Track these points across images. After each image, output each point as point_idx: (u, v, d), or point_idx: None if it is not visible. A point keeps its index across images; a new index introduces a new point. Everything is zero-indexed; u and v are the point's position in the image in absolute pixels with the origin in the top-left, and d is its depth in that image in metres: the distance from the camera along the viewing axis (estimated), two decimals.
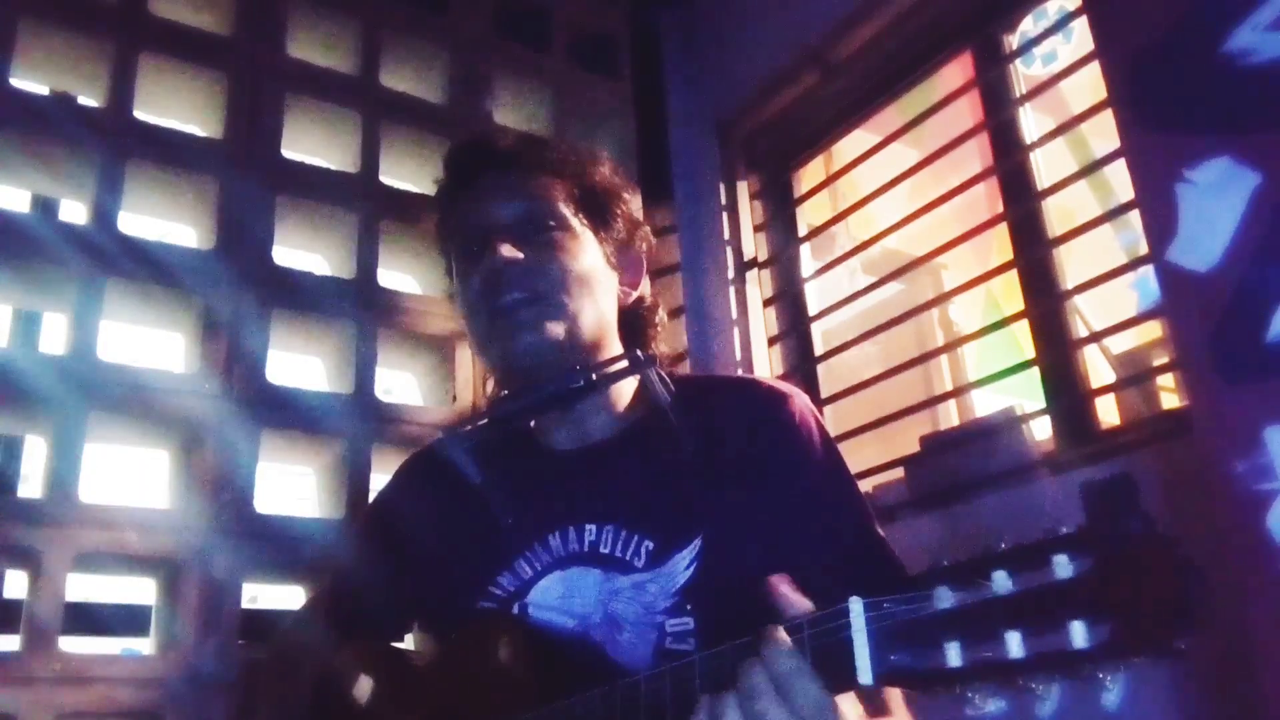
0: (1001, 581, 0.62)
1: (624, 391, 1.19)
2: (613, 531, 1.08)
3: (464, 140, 1.34)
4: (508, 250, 1.12)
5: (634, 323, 1.25)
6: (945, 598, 0.65)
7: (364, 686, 1.12)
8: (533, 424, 1.21)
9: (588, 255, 1.17)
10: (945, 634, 0.64)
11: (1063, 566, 0.60)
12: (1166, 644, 0.55)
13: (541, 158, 1.21)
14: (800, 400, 1.15)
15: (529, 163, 1.20)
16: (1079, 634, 0.58)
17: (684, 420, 1.07)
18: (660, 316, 1.29)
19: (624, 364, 1.10)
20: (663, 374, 1.09)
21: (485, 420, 1.13)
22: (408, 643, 1.34)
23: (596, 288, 1.16)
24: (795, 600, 0.78)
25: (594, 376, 1.08)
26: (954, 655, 0.63)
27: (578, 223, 1.19)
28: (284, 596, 2.06)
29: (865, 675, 0.68)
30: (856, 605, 0.69)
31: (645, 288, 1.27)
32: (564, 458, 1.18)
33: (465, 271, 1.18)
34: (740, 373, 2.29)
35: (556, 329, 1.11)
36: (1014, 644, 0.60)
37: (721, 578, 1.04)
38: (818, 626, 0.73)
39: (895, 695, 0.97)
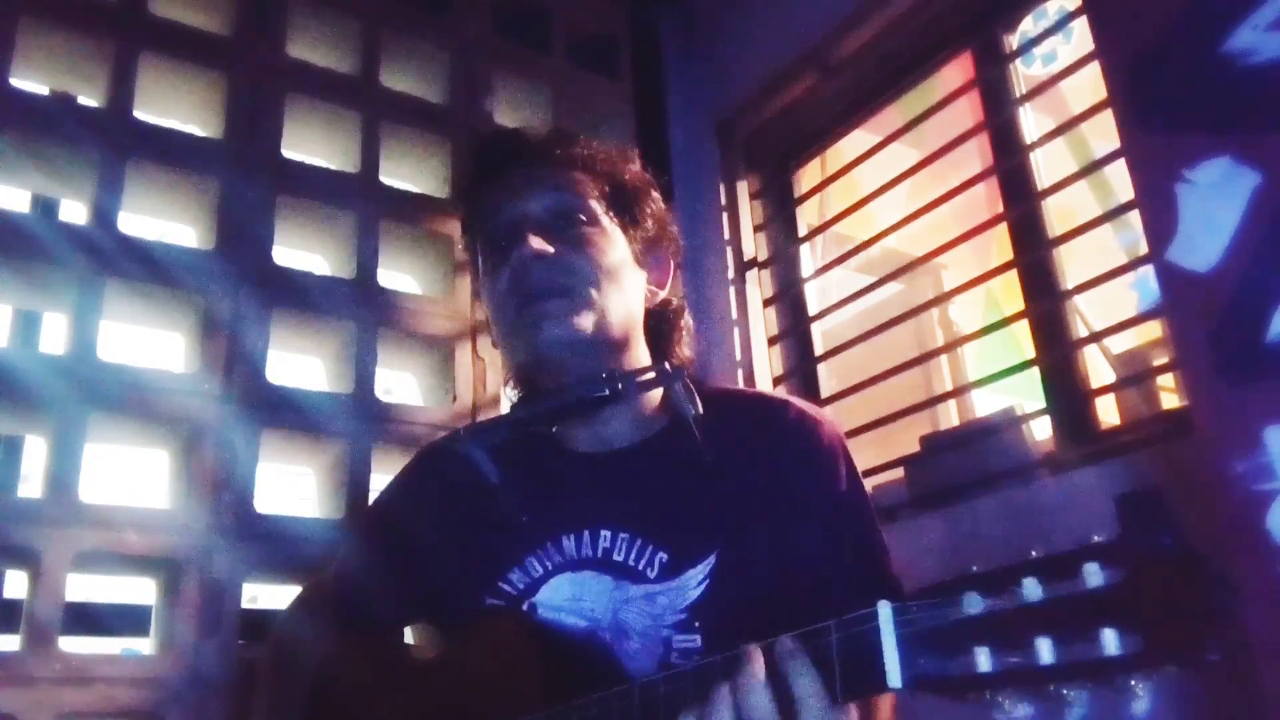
0: (1032, 588, 0.63)
1: (649, 398, 1.17)
2: (627, 539, 1.07)
3: (495, 133, 1.33)
4: (537, 243, 1.11)
5: (659, 323, 1.23)
6: (975, 604, 0.65)
7: (368, 681, 1.12)
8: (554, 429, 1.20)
9: (616, 252, 1.16)
10: (975, 640, 0.64)
11: (1094, 575, 0.60)
12: (1199, 654, 0.56)
13: (572, 153, 1.20)
14: (830, 428, 1.14)
15: (560, 158, 1.19)
16: (1111, 641, 0.59)
17: (709, 435, 1.06)
18: (685, 319, 1.27)
19: (651, 375, 1.08)
20: (690, 386, 1.07)
21: (507, 422, 1.11)
22: (407, 640, 1.33)
23: (624, 285, 1.15)
24: None
25: (619, 386, 1.05)
26: (984, 660, 0.64)
27: (607, 219, 1.18)
28: (284, 596, 2.05)
29: (895, 679, 0.68)
30: (885, 610, 0.70)
31: (670, 290, 1.26)
32: (584, 460, 1.17)
33: (493, 264, 1.17)
34: (741, 375, 2.29)
35: (584, 323, 1.10)
36: (1045, 650, 0.61)
37: (732, 597, 1.03)
38: (846, 630, 0.73)
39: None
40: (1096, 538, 0.62)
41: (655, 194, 1.26)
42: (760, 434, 1.12)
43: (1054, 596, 0.62)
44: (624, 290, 1.15)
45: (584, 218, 1.16)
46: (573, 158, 1.20)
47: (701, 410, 1.05)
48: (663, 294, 1.23)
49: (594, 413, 1.11)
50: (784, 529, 1.06)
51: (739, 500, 1.07)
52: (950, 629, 0.66)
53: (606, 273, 1.13)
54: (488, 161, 1.24)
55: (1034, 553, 0.64)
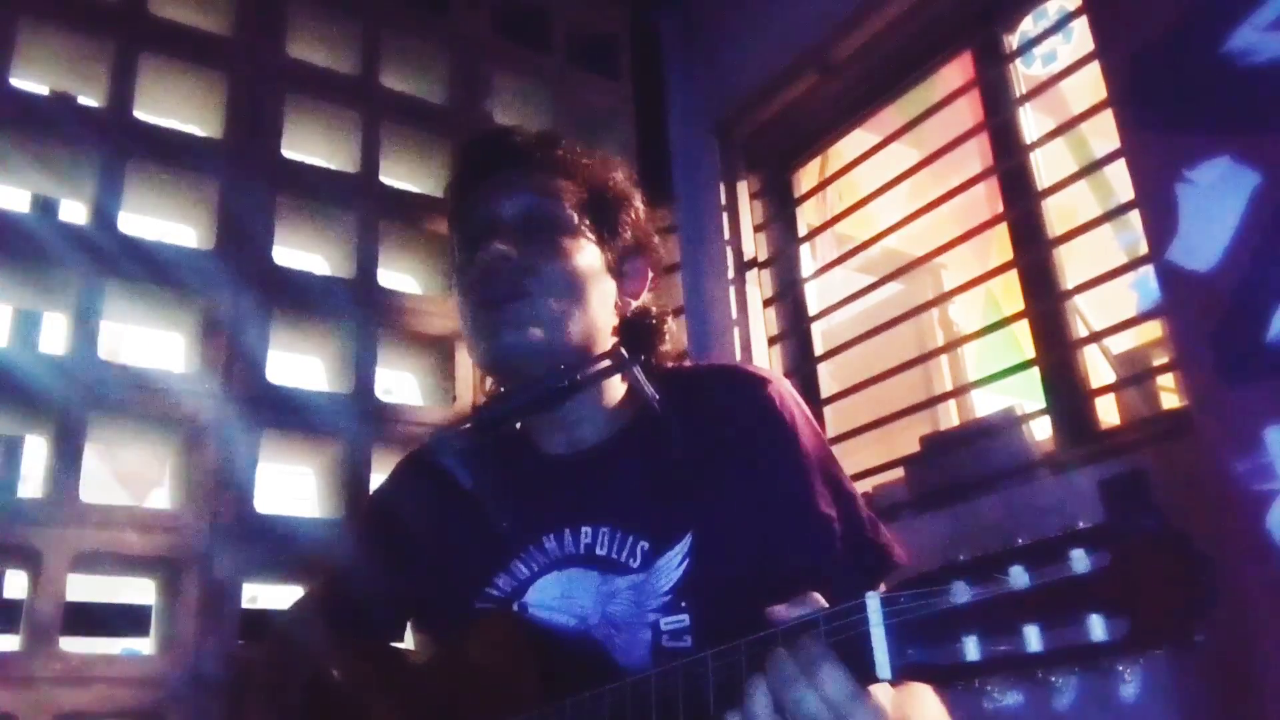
0: (1018, 576, 0.63)
1: (614, 395, 1.19)
2: (608, 533, 1.09)
3: (481, 133, 1.33)
4: (502, 246, 1.13)
5: (637, 331, 1.23)
6: (962, 593, 0.65)
7: (362, 685, 1.12)
8: (519, 426, 1.22)
9: (585, 260, 1.16)
10: (963, 628, 0.64)
11: (1080, 561, 0.61)
12: (1186, 636, 0.56)
13: (554, 157, 1.21)
14: (778, 385, 1.16)
15: (542, 162, 1.20)
16: (1098, 627, 0.59)
17: (670, 415, 1.07)
18: (669, 326, 1.27)
19: (607, 363, 1.10)
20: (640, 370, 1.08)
21: (471, 424, 1.12)
22: (406, 644, 1.33)
23: (590, 294, 1.15)
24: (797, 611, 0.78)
25: (578, 377, 1.07)
26: (972, 649, 0.64)
27: (582, 227, 1.18)
28: (284, 596, 2.06)
29: (884, 670, 0.68)
30: (874, 601, 0.70)
31: (649, 298, 1.26)
32: (558, 462, 1.18)
33: (462, 262, 1.19)
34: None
35: (538, 331, 1.10)
36: (1032, 637, 0.61)
37: (714, 573, 1.04)
38: (835, 622, 0.73)
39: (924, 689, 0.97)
40: (1082, 523, 0.62)
41: (638, 204, 1.26)
42: (713, 404, 1.14)
43: (1041, 583, 0.62)
44: (588, 300, 1.15)
45: (556, 224, 1.16)
46: (555, 162, 1.20)
47: (657, 395, 1.06)
48: (636, 304, 1.23)
49: (555, 406, 1.12)
50: (751, 491, 1.08)
51: (707, 475, 1.09)
52: (938, 618, 0.66)
53: (570, 281, 1.14)
54: (471, 160, 1.26)
55: (1020, 539, 0.65)
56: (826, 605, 0.77)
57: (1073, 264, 1.86)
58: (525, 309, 1.11)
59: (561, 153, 1.22)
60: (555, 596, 1.09)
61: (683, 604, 1.04)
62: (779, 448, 1.10)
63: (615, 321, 1.21)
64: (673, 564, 1.05)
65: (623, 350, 1.09)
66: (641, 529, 1.08)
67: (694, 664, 0.82)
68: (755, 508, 1.07)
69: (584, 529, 1.10)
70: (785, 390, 1.16)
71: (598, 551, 1.09)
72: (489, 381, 1.30)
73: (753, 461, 1.09)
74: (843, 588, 1.02)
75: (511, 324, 1.10)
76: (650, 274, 1.27)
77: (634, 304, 1.23)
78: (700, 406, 1.13)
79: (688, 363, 1.30)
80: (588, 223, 1.19)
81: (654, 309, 1.26)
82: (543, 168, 1.20)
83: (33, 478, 1.78)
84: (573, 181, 1.20)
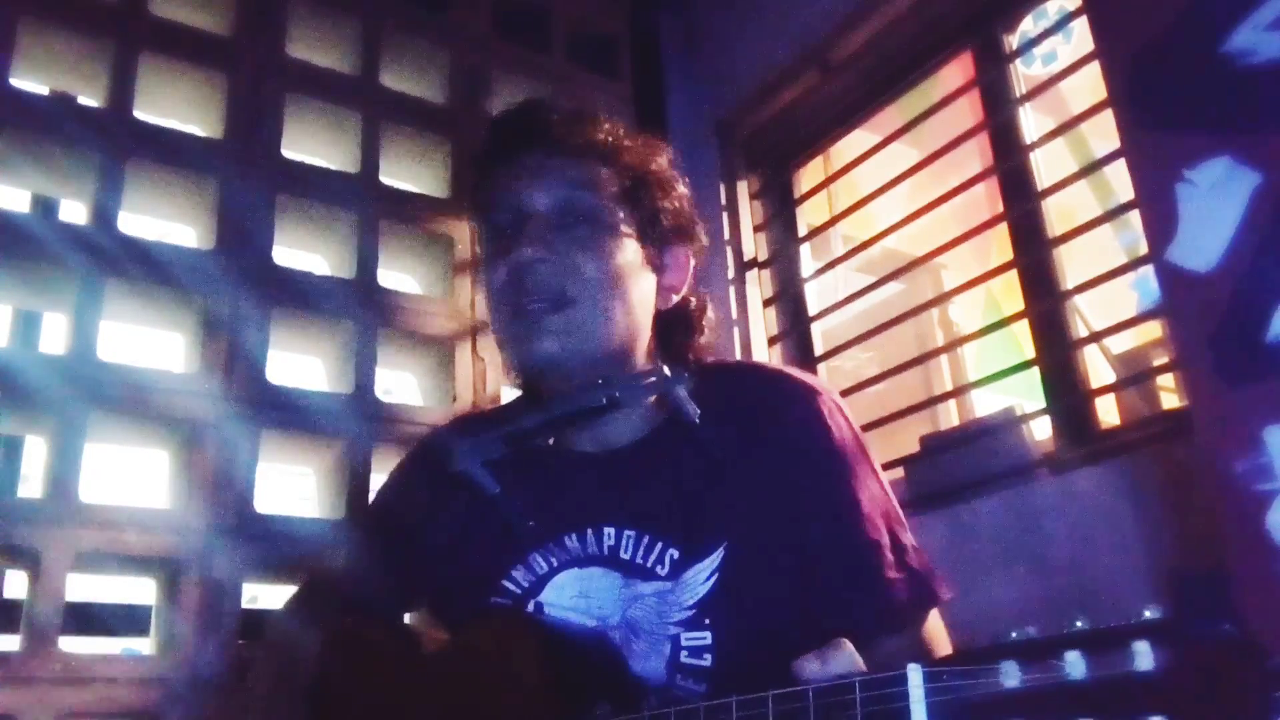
0: (1075, 664, 0.58)
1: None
2: (634, 537, 1.04)
3: (518, 106, 1.19)
4: (538, 249, 1.05)
5: (675, 326, 1.16)
6: (1012, 675, 0.60)
7: (372, 670, 1.10)
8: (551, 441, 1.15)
9: (625, 256, 1.08)
10: (1010, 715, 0.60)
11: (1144, 657, 0.56)
12: None
13: (594, 141, 1.11)
14: (828, 397, 1.10)
15: (579, 146, 1.11)
16: None
17: (708, 422, 1.00)
18: (708, 315, 1.20)
19: (649, 380, 1.02)
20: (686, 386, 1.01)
21: (501, 437, 1.05)
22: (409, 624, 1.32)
23: (630, 292, 1.08)
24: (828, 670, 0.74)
25: (616, 394, 0.99)
26: None
27: (621, 218, 1.10)
28: (283, 596, 2.05)
29: None
30: (915, 675, 0.65)
31: (689, 286, 1.18)
32: (584, 460, 1.12)
33: (493, 254, 1.10)
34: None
35: (580, 336, 1.04)
36: None
37: (744, 590, 1.00)
38: (871, 690, 0.68)
39: None
40: (1149, 613, 0.58)
41: (680, 189, 1.17)
42: (759, 415, 1.07)
43: (1099, 675, 0.57)
44: (629, 298, 1.08)
45: (593, 216, 1.08)
46: (594, 146, 1.11)
47: (698, 410, 1.00)
48: (677, 297, 1.15)
49: (592, 421, 1.06)
50: (793, 513, 1.02)
51: (743, 486, 1.03)
52: (985, 702, 0.61)
53: (610, 280, 1.06)
54: (502, 137, 1.15)
55: (1080, 623, 0.60)
56: (860, 660, 0.72)
57: (1073, 264, 1.87)
58: (565, 316, 1.04)
59: (602, 136, 1.12)
60: (573, 595, 1.05)
61: (706, 620, 0.99)
62: (825, 464, 1.04)
63: (654, 314, 1.13)
64: (700, 577, 1.01)
65: (666, 370, 1.01)
66: (672, 535, 1.03)
67: (717, 709, 0.78)
68: (795, 525, 1.02)
69: (606, 530, 1.06)
70: (836, 403, 1.09)
71: (621, 555, 1.04)
72: (514, 376, 1.22)
73: (796, 476, 1.03)
74: (880, 620, 0.99)
75: (550, 331, 1.03)
76: (692, 264, 1.18)
77: (674, 298, 1.15)
78: (743, 413, 1.06)
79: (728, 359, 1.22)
80: (627, 214, 1.10)
81: (693, 300, 1.18)
82: (581, 152, 1.10)
83: (33, 478, 1.78)
84: (612, 169, 1.11)
